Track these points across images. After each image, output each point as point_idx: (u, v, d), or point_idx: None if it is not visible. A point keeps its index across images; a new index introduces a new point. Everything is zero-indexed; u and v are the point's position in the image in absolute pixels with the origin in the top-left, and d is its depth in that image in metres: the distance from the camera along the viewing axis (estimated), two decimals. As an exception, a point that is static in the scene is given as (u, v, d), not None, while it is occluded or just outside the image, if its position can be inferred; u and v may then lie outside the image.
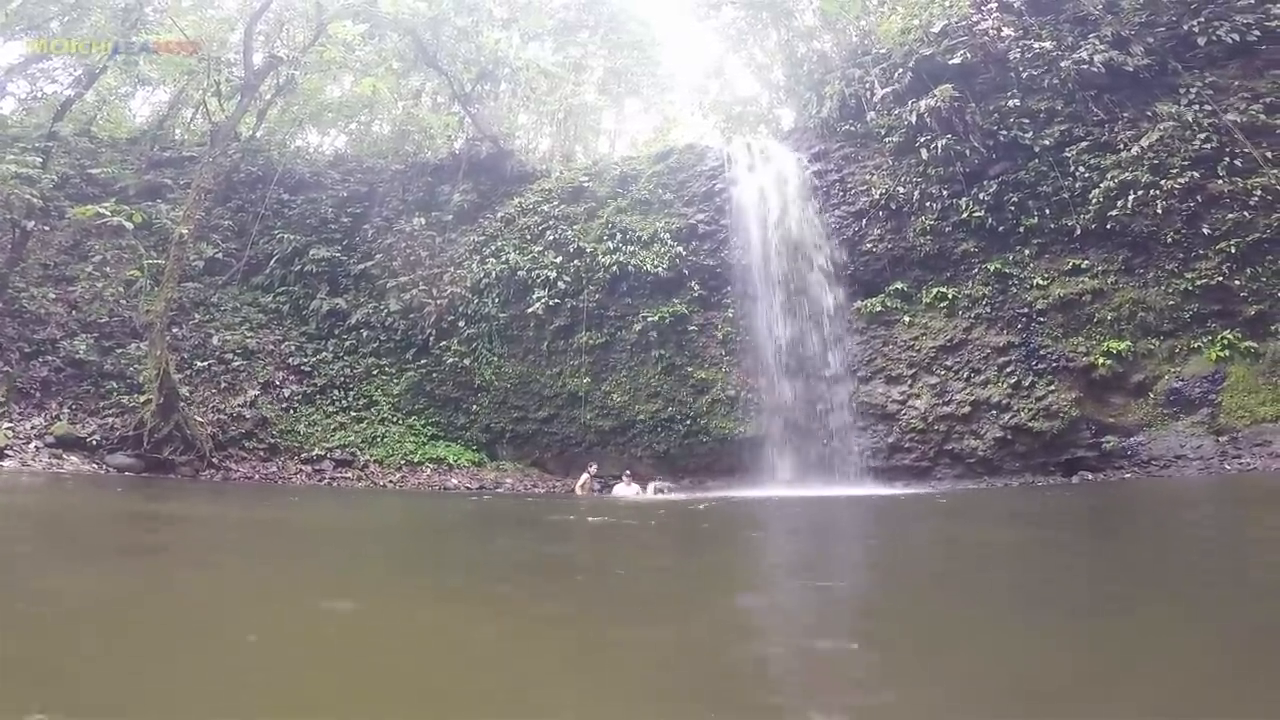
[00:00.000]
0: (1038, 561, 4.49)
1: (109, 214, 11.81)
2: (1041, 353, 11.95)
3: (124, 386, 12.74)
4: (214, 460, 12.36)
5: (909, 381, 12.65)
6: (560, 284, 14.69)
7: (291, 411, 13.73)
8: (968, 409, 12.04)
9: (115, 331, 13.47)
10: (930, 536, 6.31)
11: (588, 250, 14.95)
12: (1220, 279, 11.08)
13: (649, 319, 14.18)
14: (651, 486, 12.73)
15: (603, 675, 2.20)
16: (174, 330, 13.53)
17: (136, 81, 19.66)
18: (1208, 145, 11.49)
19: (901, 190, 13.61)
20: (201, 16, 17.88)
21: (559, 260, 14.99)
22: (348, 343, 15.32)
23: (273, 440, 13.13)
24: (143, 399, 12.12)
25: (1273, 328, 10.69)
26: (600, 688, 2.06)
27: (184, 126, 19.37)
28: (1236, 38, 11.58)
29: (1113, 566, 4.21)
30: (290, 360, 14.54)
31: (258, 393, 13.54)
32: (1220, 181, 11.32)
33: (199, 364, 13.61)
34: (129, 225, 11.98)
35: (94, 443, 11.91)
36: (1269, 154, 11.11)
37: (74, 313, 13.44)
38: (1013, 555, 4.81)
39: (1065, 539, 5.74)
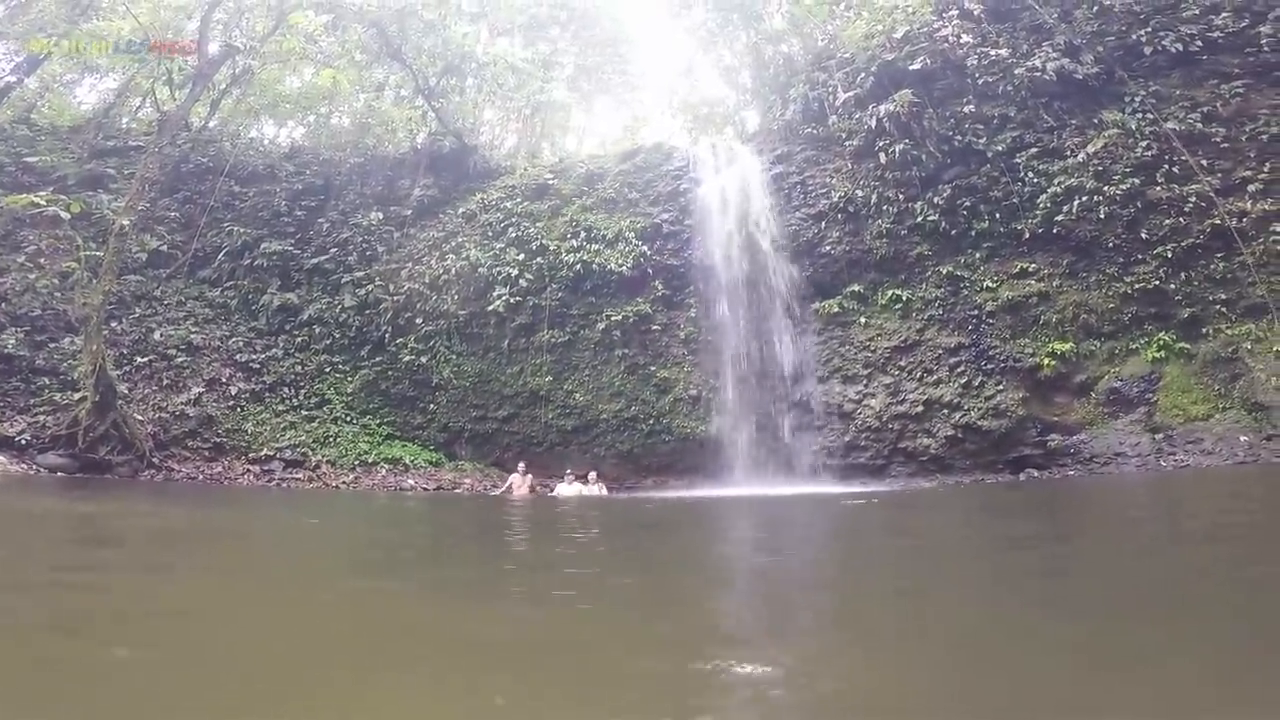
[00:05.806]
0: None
1: (44, 203, 11.25)
2: (990, 353, 12.22)
3: (57, 383, 12.17)
4: (154, 460, 11.87)
5: (865, 381, 12.81)
6: (522, 282, 14.52)
7: (239, 410, 13.26)
8: (920, 408, 12.23)
9: (48, 325, 12.85)
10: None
11: (551, 248, 14.81)
12: (1157, 283, 11.47)
13: (612, 318, 14.10)
14: (592, 475, 12.59)
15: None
16: (112, 324, 12.96)
17: (83, 69, 18.82)
18: (1148, 153, 11.88)
19: (860, 193, 13.79)
20: (157, 3, 17.18)
21: (521, 258, 14.81)
22: (299, 339, 14.87)
23: (218, 439, 12.67)
24: (77, 396, 11.58)
25: (1204, 330, 11.11)
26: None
27: (131, 115, 18.63)
28: (1180, 47, 12.00)
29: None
30: (238, 357, 14.05)
31: (202, 390, 13.05)
32: (1159, 188, 11.72)
33: (139, 360, 13.06)
34: (66, 215, 11.40)
35: (23, 442, 11.36)
36: (1204, 161, 11.55)
37: (3, 305, 12.78)
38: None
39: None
